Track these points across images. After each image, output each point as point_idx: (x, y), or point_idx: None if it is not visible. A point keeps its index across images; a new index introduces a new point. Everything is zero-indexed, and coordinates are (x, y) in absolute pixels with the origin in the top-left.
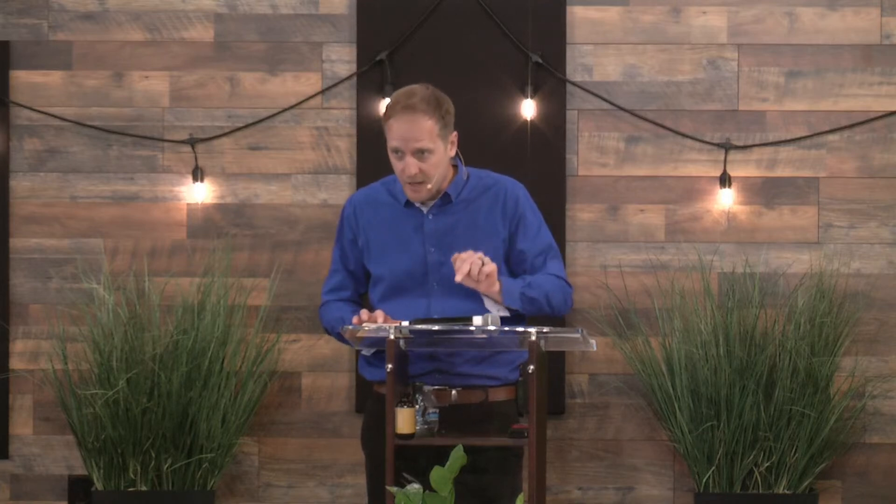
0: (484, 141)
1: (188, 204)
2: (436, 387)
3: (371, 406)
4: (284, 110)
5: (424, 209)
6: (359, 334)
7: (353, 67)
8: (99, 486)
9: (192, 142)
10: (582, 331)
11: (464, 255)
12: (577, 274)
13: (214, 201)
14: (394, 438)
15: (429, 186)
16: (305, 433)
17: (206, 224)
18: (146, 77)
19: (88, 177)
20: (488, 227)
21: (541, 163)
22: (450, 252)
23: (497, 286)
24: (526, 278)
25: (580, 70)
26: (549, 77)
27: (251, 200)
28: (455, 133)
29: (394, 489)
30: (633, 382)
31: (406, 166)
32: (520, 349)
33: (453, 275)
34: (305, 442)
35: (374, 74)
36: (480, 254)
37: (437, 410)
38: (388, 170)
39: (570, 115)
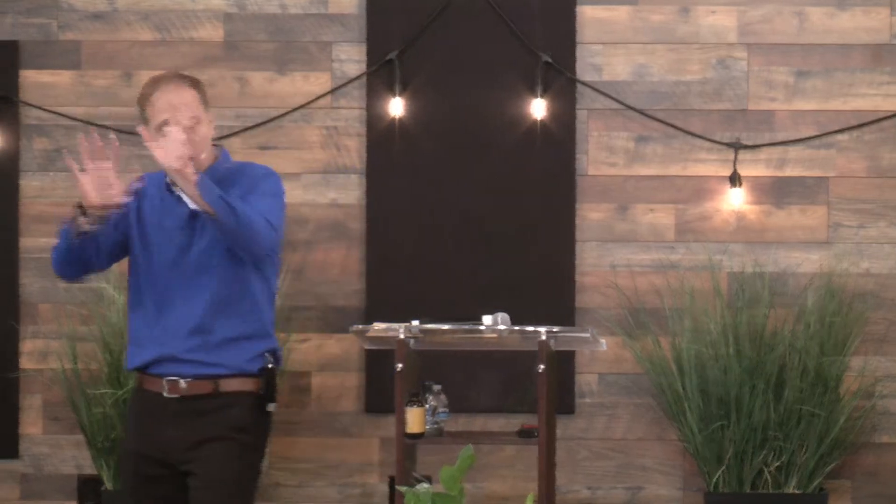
0: (493, 140)
1: None
2: (168, 377)
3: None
4: (294, 110)
5: (181, 193)
6: (368, 334)
7: (362, 67)
8: (108, 485)
9: None
10: (592, 330)
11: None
12: (586, 274)
13: None
14: (403, 437)
15: (203, 156)
16: (315, 433)
17: None
18: None
19: None
20: None
21: (550, 162)
22: (197, 236)
23: (192, 173)
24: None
25: (590, 70)
26: (559, 77)
27: None
28: (212, 114)
29: (403, 488)
30: (643, 382)
31: None
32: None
33: (199, 254)
34: (315, 441)
35: (383, 74)
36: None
37: (448, 410)
38: (399, 170)
39: (580, 114)
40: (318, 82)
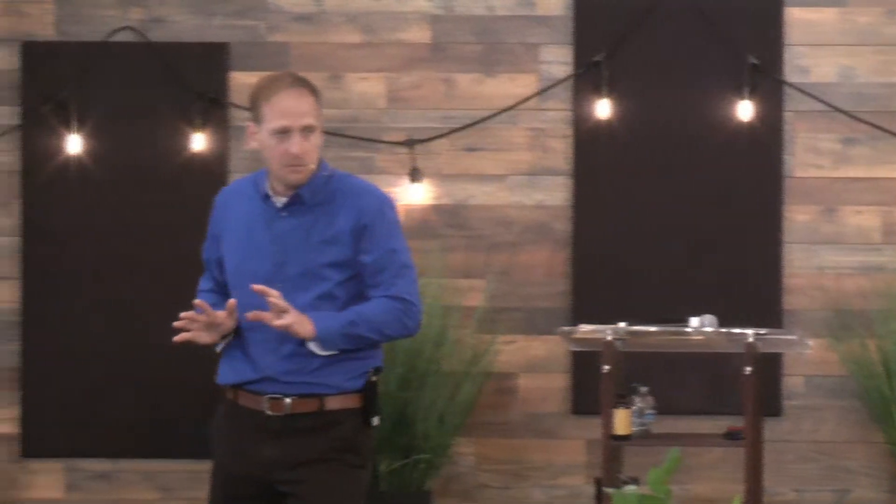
0: (699, 142)
1: (404, 205)
2: (269, 395)
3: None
4: (501, 112)
5: (279, 204)
6: (574, 336)
7: (569, 69)
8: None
9: (411, 143)
10: (798, 333)
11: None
12: (792, 276)
13: (430, 202)
14: (609, 439)
15: (312, 167)
16: (520, 434)
17: (421, 225)
18: (363, 78)
19: None
20: (337, 236)
21: (757, 164)
22: (295, 253)
23: (310, 328)
24: (352, 313)
25: (796, 71)
26: (765, 78)
27: (467, 202)
28: (322, 118)
29: (610, 490)
30: (849, 384)
31: (292, 145)
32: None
33: (297, 275)
34: (520, 443)
35: (590, 76)
36: (281, 303)
37: (655, 411)
38: (606, 171)
39: (787, 116)
40: (524, 84)
